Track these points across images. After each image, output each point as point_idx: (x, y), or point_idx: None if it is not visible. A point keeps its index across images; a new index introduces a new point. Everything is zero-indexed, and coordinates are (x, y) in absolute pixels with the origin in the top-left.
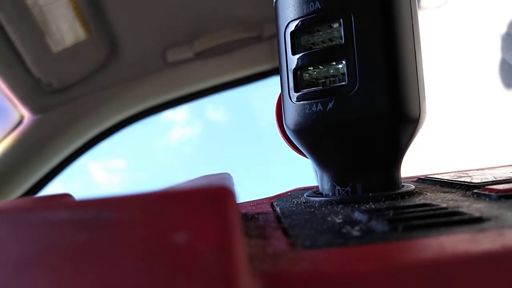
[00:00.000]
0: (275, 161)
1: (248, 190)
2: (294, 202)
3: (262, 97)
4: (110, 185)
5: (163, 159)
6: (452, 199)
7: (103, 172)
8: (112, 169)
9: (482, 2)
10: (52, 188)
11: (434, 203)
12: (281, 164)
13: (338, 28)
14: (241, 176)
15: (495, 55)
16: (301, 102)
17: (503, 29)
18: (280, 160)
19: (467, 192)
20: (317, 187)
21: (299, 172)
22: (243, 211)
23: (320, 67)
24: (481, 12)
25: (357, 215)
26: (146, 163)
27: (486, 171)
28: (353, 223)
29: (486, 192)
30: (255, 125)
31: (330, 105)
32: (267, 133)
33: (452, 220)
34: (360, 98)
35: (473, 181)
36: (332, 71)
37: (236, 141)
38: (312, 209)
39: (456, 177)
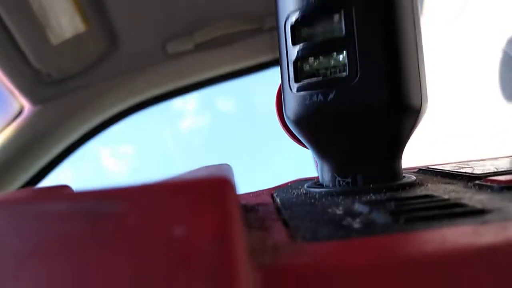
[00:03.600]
0: (275, 152)
1: (249, 181)
2: (294, 193)
3: (266, 87)
4: (119, 171)
5: (173, 147)
6: (453, 190)
7: (112, 159)
8: (121, 155)
9: (496, 18)
10: (61, 174)
11: (435, 194)
12: (281, 154)
13: (339, 19)
14: (245, 166)
15: (499, 56)
16: (302, 92)
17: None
18: (280, 150)
19: (469, 183)
20: (317, 178)
21: (299, 163)
22: (243, 202)
23: (320, 58)
24: (494, 29)
25: (358, 207)
26: (155, 150)
27: (488, 162)
28: (354, 215)
29: (488, 183)
30: (261, 115)
31: (331, 95)
32: (268, 124)
33: (454, 212)
34: (361, 88)
35: (474, 172)
36: (332, 62)
37: (244, 132)
38: (312, 200)
39: (457, 168)
